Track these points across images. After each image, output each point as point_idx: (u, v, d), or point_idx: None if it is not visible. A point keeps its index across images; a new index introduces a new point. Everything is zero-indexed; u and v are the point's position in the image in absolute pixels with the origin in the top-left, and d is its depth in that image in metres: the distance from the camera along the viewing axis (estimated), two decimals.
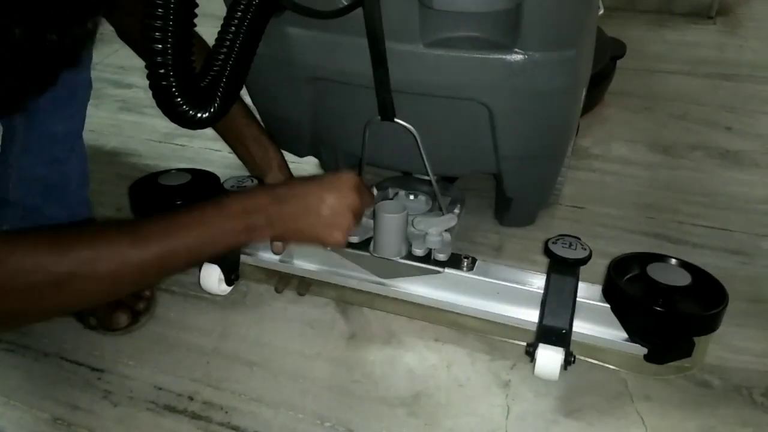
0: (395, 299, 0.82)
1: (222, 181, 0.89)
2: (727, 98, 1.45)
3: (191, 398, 0.73)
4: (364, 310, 0.85)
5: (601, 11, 1.21)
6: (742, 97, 1.45)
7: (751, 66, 1.63)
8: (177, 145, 1.31)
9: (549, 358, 0.68)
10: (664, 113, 1.38)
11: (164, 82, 0.61)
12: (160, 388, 0.74)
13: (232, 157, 0.94)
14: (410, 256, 0.79)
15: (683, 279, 0.69)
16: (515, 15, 0.65)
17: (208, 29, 0.69)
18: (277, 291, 0.88)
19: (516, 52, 0.68)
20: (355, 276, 0.82)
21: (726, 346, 0.78)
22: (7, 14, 0.45)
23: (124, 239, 0.52)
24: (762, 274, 0.90)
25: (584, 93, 0.89)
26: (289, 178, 0.89)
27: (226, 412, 0.71)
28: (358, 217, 0.68)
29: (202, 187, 0.87)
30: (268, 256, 0.86)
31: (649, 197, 1.09)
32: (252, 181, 0.87)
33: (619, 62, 1.40)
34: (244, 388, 0.74)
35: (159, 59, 0.59)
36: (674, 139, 1.28)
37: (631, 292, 0.69)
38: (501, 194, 0.94)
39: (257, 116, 0.90)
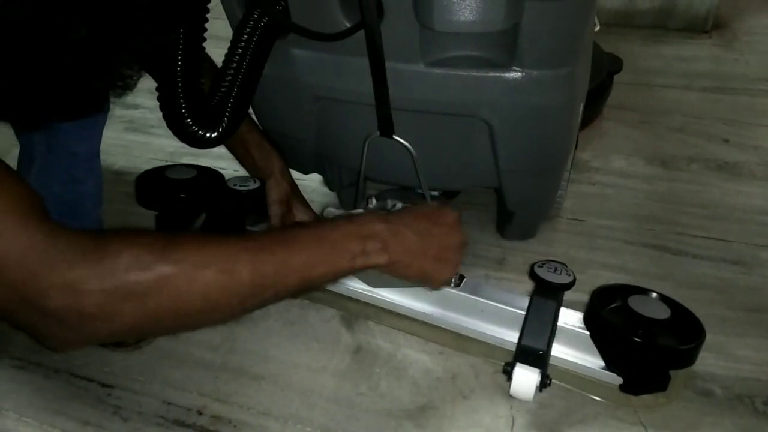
0: (384, 309, 0.83)
1: (226, 180, 0.90)
2: (724, 111, 1.47)
3: (200, 413, 0.74)
4: (370, 324, 0.86)
5: (597, 28, 1.23)
6: (739, 110, 1.47)
7: (747, 79, 1.65)
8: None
9: (525, 378, 0.69)
10: (662, 126, 1.40)
11: (174, 103, 0.63)
12: (169, 403, 0.75)
13: (238, 174, 0.95)
14: None
15: (663, 312, 0.69)
16: (512, 35, 0.67)
17: (216, 50, 0.71)
18: None
19: (514, 70, 0.70)
20: (348, 284, 0.83)
21: (727, 356, 0.79)
22: (107, 18, 0.45)
23: (239, 248, 0.52)
24: (761, 284, 0.91)
25: (582, 108, 0.91)
26: (291, 182, 0.91)
27: (235, 426, 0.72)
28: (462, 255, 0.69)
29: (206, 182, 0.88)
30: None
31: (648, 209, 1.10)
32: (255, 182, 0.88)
33: (616, 77, 1.42)
34: (252, 402, 0.75)
35: (169, 80, 0.61)
36: (672, 151, 1.29)
37: (612, 321, 0.70)
38: (502, 208, 0.95)
39: None
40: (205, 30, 0.63)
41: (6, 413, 0.75)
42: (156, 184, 0.86)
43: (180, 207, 0.85)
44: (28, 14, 0.41)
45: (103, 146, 0.91)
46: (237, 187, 0.85)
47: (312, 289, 0.59)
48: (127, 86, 0.53)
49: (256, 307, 0.56)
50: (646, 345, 0.66)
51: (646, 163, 1.26)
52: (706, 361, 0.75)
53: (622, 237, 1.03)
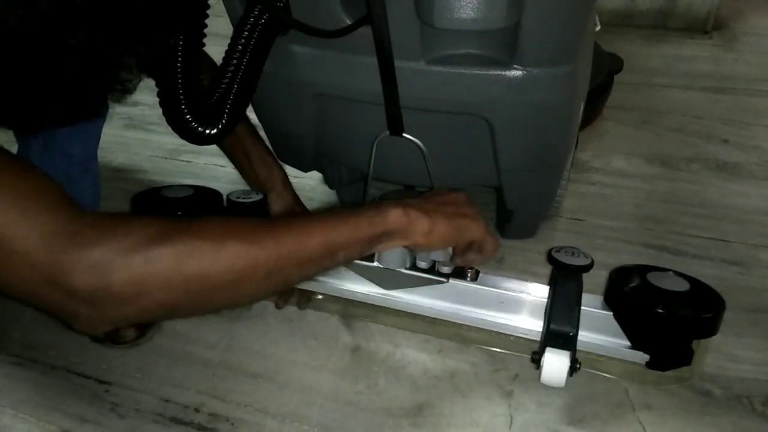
0: (400, 312, 0.82)
1: (226, 195, 0.90)
2: (724, 111, 1.47)
3: (197, 410, 0.74)
4: (368, 322, 0.86)
5: (598, 27, 1.23)
6: (739, 110, 1.47)
7: (747, 79, 1.65)
8: (183, 161, 1.33)
9: (556, 362, 0.69)
10: (662, 126, 1.40)
11: (174, 99, 0.62)
12: (167, 401, 0.75)
13: (236, 173, 0.95)
14: (414, 267, 0.80)
15: (682, 286, 0.70)
16: (513, 32, 0.67)
17: (215, 48, 0.71)
18: (278, 307, 0.88)
19: (515, 68, 0.70)
20: (360, 289, 0.82)
21: (726, 356, 0.79)
22: (106, 23, 0.45)
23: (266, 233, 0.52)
24: (760, 285, 0.91)
25: (582, 107, 0.90)
26: (293, 194, 0.91)
27: (232, 424, 0.72)
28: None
29: (204, 201, 0.88)
30: None
31: (647, 209, 1.10)
32: (257, 194, 0.88)
33: (616, 77, 1.42)
34: (250, 400, 0.75)
35: (169, 77, 0.61)
36: (672, 151, 1.29)
37: (634, 297, 0.71)
38: (502, 207, 0.95)
39: (262, 131, 0.92)
40: (205, 27, 0.62)
41: (3, 410, 0.75)
42: (152, 204, 0.86)
43: None
44: (26, 19, 0.41)
45: (102, 143, 0.91)
46: (240, 200, 0.86)
47: (335, 263, 0.57)
48: (126, 90, 0.53)
49: (281, 286, 0.55)
50: (669, 316, 0.67)
51: (645, 163, 1.26)
52: (705, 360, 0.75)
53: (621, 237, 1.03)
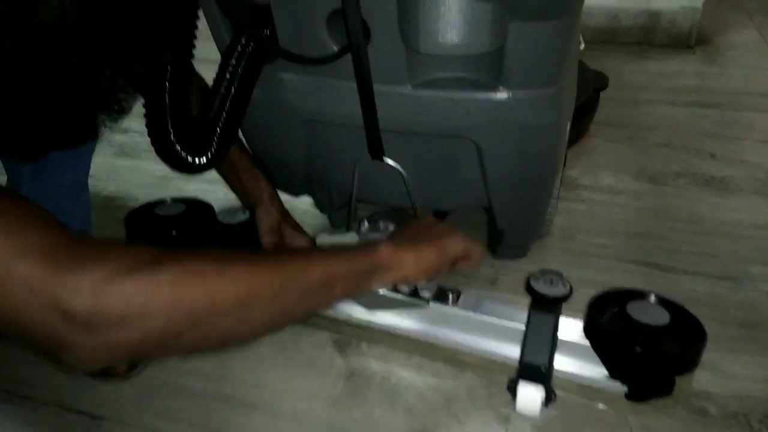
0: (382, 332, 0.81)
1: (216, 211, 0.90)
2: (710, 126, 1.49)
3: None
4: (362, 348, 0.85)
5: (582, 45, 1.25)
6: (724, 125, 1.49)
7: (732, 93, 1.67)
8: (174, 188, 1.33)
9: (529, 394, 0.68)
10: (649, 142, 1.42)
11: (162, 127, 0.62)
12: None
13: (228, 199, 0.95)
14: (396, 290, 0.78)
15: (662, 317, 0.68)
16: (498, 56, 0.67)
17: (207, 73, 0.71)
18: None
19: (500, 91, 0.71)
20: (343, 310, 0.82)
21: (721, 373, 0.78)
22: (101, 42, 0.44)
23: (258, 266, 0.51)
24: (752, 299, 0.91)
25: (569, 126, 0.91)
26: (281, 208, 0.90)
27: None
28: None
29: (197, 217, 0.88)
30: None
31: (637, 226, 1.11)
32: (245, 212, 0.88)
33: (602, 94, 1.44)
34: (245, 431, 0.74)
35: (158, 102, 0.61)
36: (659, 167, 1.30)
37: (612, 331, 0.69)
38: (493, 227, 0.95)
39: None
40: (194, 49, 0.62)
41: None
42: (146, 224, 0.85)
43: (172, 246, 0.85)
44: (21, 43, 0.41)
45: (92, 171, 0.90)
46: (226, 221, 0.85)
47: (332, 297, 0.57)
48: (122, 110, 0.52)
49: (285, 316, 0.53)
50: (647, 354, 0.66)
51: (634, 179, 1.26)
52: (700, 378, 0.75)
53: (613, 254, 1.03)
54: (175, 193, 1.30)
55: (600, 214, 1.15)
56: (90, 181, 0.91)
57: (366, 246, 0.61)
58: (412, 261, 0.62)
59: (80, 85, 0.45)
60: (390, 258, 0.60)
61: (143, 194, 1.30)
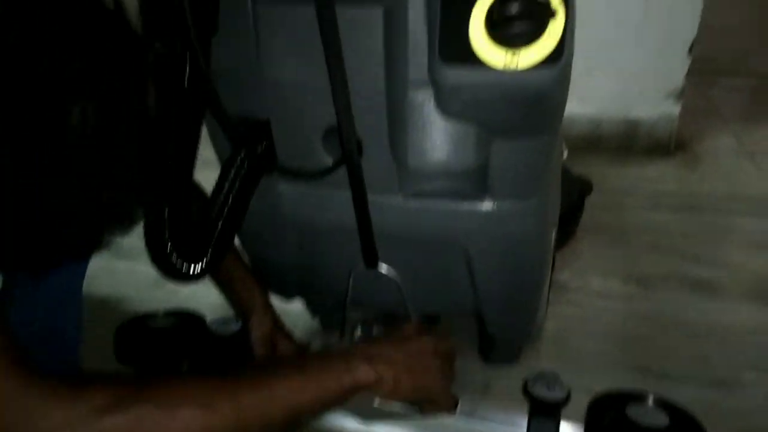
0: None
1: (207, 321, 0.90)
2: (692, 228, 1.53)
3: None
4: None
5: (566, 153, 1.31)
6: (707, 227, 1.53)
7: (712, 197, 1.73)
8: (169, 290, 1.33)
9: None
10: (634, 245, 1.45)
11: (160, 241, 0.64)
12: None
13: (221, 301, 0.96)
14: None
15: (661, 419, 0.68)
16: (483, 169, 0.71)
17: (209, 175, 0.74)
18: None
19: (487, 201, 0.74)
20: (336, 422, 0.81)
21: None
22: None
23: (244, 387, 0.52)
24: (746, 407, 0.90)
25: (555, 233, 0.94)
26: (274, 317, 0.91)
27: None
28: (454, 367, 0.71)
29: (188, 329, 0.89)
30: None
31: (628, 330, 1.11)
32: (236, 322, 0.89)
33: (587, 199, 1.49)
34: None
35: (157, 217, 0.63)
36: (646, 270, 1.33)
37: None
38: (483, 333, 0.96)
39: (244, 254, 0.94)
40: (194, 164, 0.65)
41: None
42: (135, 339, 0.86)
43: (162, 361, 0.86)
44: (50, 161, 0.43)
45: (88, 272, 0.91)
46: (218, 332, 0.86)
47: (302, 418, 0.57)
48: (132, 222, 0.55)
49: None
50: None
51: (622, 283, 1.28)
52: None
53: (604, 359, 1.03)
54: (170, 295, 1.31)
55: (591, 318, 1.16)
56: (85, 282, 0.92)
57: (345, 362, 0.60)
58: (388, 386, 0.62)
59: (96, 201, 0.48)
60: (367, 379, 0.60)
61: (138, 296, 1.31)
